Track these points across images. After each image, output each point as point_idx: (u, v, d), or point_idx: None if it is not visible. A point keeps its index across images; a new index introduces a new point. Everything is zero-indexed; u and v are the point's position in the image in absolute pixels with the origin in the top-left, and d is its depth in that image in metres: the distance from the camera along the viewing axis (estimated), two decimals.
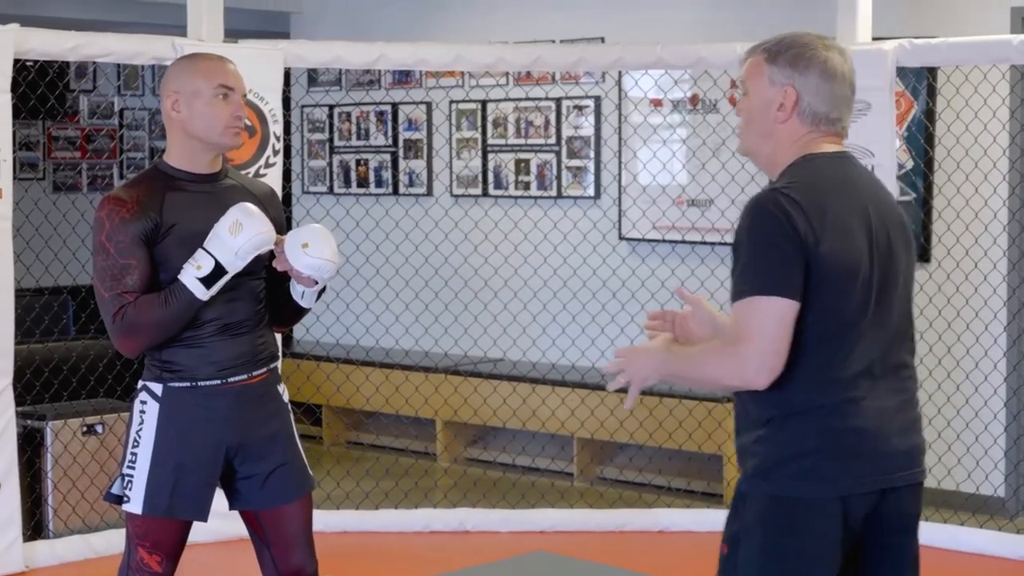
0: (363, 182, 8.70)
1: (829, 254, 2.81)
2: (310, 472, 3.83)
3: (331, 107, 8.78)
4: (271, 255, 3.67)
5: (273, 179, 5.85)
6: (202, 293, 3.53)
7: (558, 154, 7.88)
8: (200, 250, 3.53)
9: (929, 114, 6.61)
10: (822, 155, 2.96)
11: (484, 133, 8.15)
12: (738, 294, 2.82)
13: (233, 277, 3.57)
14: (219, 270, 3.53)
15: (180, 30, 5.95)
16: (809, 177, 2.90)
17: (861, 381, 2.87)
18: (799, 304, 2.80)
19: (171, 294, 3.52)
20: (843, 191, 2.91)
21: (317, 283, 3.69)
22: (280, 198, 3.96)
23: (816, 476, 2.85)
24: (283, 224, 3.80)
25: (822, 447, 2.85)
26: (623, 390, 3.05)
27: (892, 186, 5.89)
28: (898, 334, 2.96)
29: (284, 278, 3.72)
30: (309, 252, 3.58)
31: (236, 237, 3.51)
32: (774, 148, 2.99)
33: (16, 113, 5.62)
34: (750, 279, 2.81)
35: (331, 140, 8.86)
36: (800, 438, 2.86)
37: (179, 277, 3.53)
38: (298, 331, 8.80)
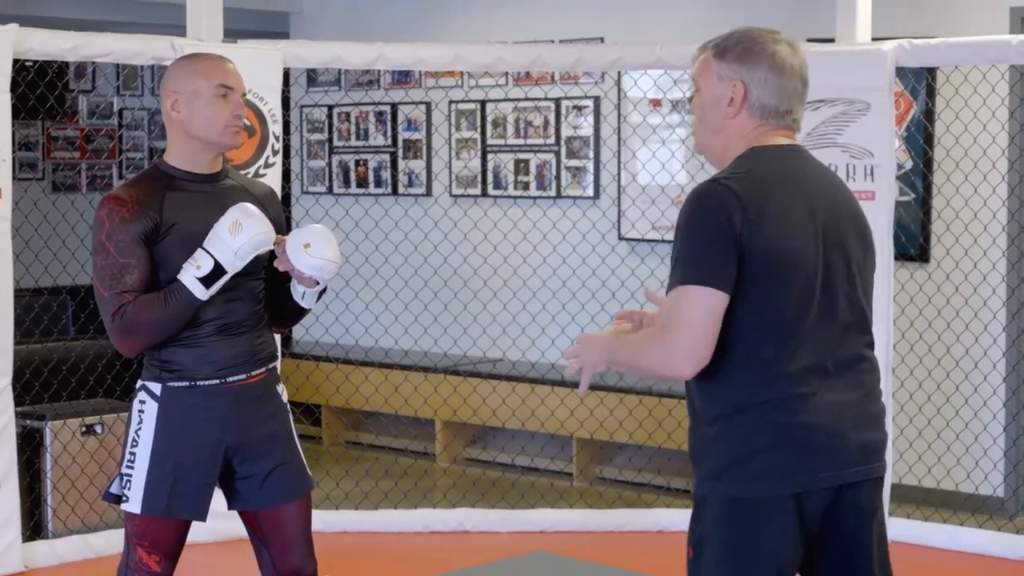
0: (362, 182, 8.70)
1: (767, 245, 2.80)
2: (309, 472, 3.83)
3: (330, 107, 8.78)
4: (271, 255, 3.67)
5: (272, 179, 5.85)
6: (201, 293, 3.53)
7: (557, 154, 7.88)
8: (200, 250, 3.53)
9: (928, 114, 6.62)
10: (771, 147, 2.95)
11: (483, 133, 8.15)
12: (670, 284, 2.84)
13: (232, 277, 3.57)
14: (218, 270, 3.53)
15: (179, 30, 5.96)
16: (752, 168, 2.90)
17: (810, 376, 2.85)
18: (728, 296, 2.79)
19: (170, 294, 3.52)
20: (789, 183, 2.90)
21: (318, 283, 3.70)
22: (279, 198, 3.96)
23: (768, 474, 2.84)
24: (282, 224, 3.80)
25: (773, 444, 2.84)
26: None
27: (891, 186, 5.89)
28: (851, 328, 2.93)
29: (284, 278, 3.72)
30: (311, 252, 3.58)
31: (236, 237, 3.52)
32: (724, 143, 2.99)
33: (15, 113, 5.62)
34: (683, 269, 2.82)
35: (330, 140, 8.86)
36: (750, 436, 2.85)
37: (178, 277, 3.53)
38: (297, 331, 8.80)
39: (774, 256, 2.81)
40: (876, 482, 2.98)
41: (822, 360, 2.87)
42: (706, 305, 2.78)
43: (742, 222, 2.79)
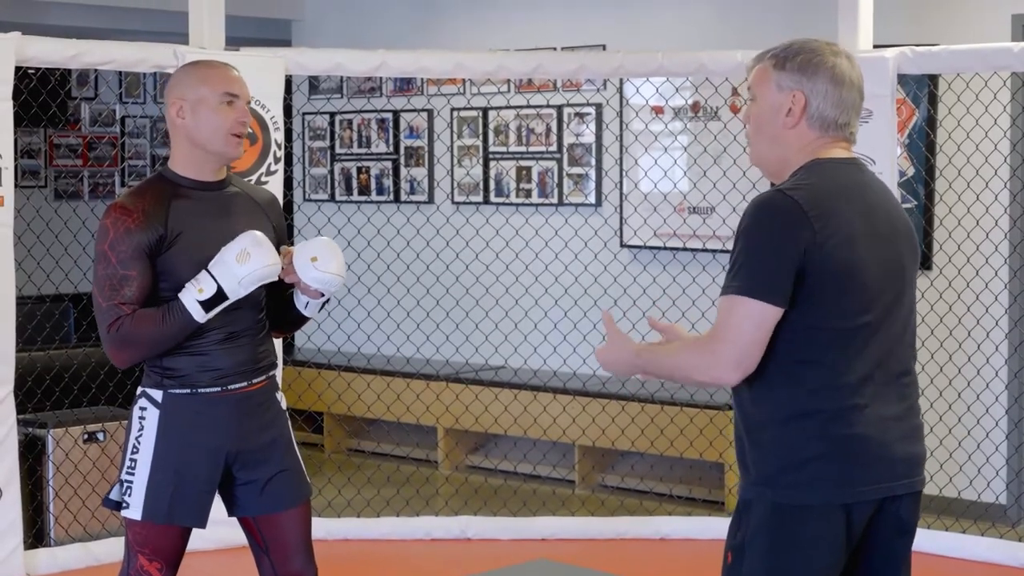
0: (364, 189, 8.70)
1: (831, 259, 2.82)
2: (308, 479, 3.83)
3: (332, 114, 8.78)
4: None
5: (274, 187, 5.85)
6: (200, 316, 3.52)
7: (559, 161, 7.88)
8: (204, 272, 3.51)
9: (930, 121, 6.61)
10: (830, 160, 2.96)
11: (485, 140, 8.16)
12: (725, 289, 2.85)
13: None
14: (220, 295, 3.52)
15: (182, 38, 5.96)
16: (815, 181, 2.91)
17: (864, 388, 2.88)
18: (782, 310, 2.81)
19: (169, 312, 3.51)
20: (849, 196, 2.92)
21: (323, 295, 3.70)
22: (281, 205, 3.96)
23: (820, 483, 2.85)
24: (284, 231, 3.80)
25: (825, 454, 2.85)
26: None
27: (894, 193, 5.89)
28: (900, 341, 2.96)
29: (287, 286, 3.72)
30: (318, 266, 3.59)
31: (242, 266, 3.50)
32: (782, 154, 2.99)
33: (18, 121, 5.62)
34: (738, 278, 2.83)
35: (332, 147, 8.86)
36: (803, 444, 2.86)
37: (179, 296, 3.51)
38: (299, 339, 8.80)
39: (838, 270, 2.83)
40: (916, 496, 3.00)
41: (873, 372, 2.89)
42: (756, 317, 2.80)
43: (808, 235, 2.81)
